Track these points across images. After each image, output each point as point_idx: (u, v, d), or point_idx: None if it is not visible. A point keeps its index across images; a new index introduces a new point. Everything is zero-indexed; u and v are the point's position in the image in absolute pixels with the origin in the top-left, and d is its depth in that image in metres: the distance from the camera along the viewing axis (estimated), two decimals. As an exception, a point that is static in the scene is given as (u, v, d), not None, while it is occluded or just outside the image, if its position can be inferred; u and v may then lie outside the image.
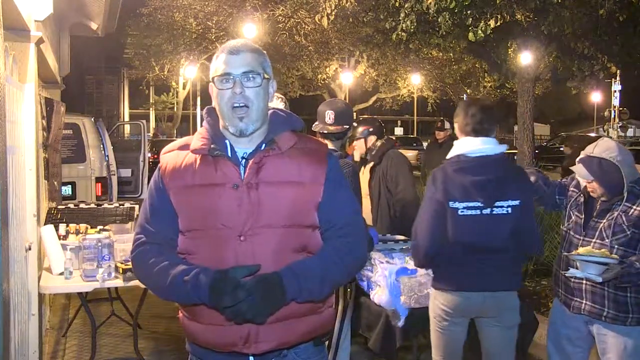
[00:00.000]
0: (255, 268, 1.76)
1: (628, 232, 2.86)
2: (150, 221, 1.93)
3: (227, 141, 1.90)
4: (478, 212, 2.95)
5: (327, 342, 2.02)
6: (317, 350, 1.97)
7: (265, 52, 1.97)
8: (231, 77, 1.85)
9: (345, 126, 3.67)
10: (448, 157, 3.12)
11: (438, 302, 3.08)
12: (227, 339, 1.84)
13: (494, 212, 2.94)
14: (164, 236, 1.91)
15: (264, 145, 1.89)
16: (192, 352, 1.98)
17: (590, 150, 2.96)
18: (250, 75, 1.86)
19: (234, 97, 1.85)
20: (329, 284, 1.87)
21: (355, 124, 4.35)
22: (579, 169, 2.94)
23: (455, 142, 3.12)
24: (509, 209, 2.95)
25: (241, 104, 1.84)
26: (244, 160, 1.88)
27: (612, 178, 2.86)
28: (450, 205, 2.96)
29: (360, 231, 1.99)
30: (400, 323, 3.42)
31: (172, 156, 1.94)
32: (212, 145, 1.88)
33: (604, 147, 2.92)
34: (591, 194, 2.98)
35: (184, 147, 1.94)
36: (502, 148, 3.05)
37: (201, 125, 2.02)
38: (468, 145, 3.04)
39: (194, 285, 1.78)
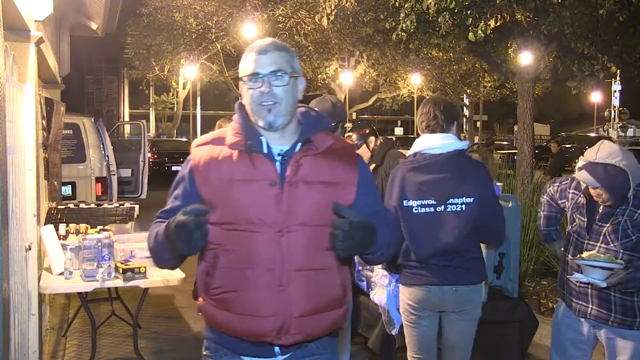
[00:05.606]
0: (205, 210, 1.77)
1: (633, 237, 2.82)
2: (170, 208, 1.99)
3: (262, 137, 1.93)
4: (432, 209, 2.99)
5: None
6: (333, 341, 2.05)
7: (293, 49, 2.01)
8: (259, 76, 1.89)
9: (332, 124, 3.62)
10: (407, 155, 3.16)
11: (404, 297, 3.14)
12: (260, 329, 1.87)
13: (448, 210, 2.98)
14: None
15: (300, 144, 1.94)
16: (214, 339, 1.99)
17: (592, 156, 2.85)
18: (279, 74, 1.89)
19: (262, 96, 1.89)
20: (388, 244, 1.98)
21: (349, 129, 4.26)
22: (583, 176, 2.84)
23: (415, 140, 3.14)
24: (463, 206, 2.98)
25: (269, 102, 1.88)
26: (280, 157, 1.92)
27: (619, 183, 2.78)
28: (404, 204, 3.02)
29: (394, 223, 2.07)
30: (395, 331, 3.43)
31: (206, 149, 1.96)
32: (248, 142, 1.91)
33: (607, 152, 2.82)
34: (596, 199, 2.89)
35: (217, 140, 1.97)
36: (460, 145, 3.04)
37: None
38: (425, 142, 3.06)
39: (156, 241, 1.89)
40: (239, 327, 1.89)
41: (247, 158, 1.90)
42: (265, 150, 1.91)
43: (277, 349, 1.92)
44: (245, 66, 1.93)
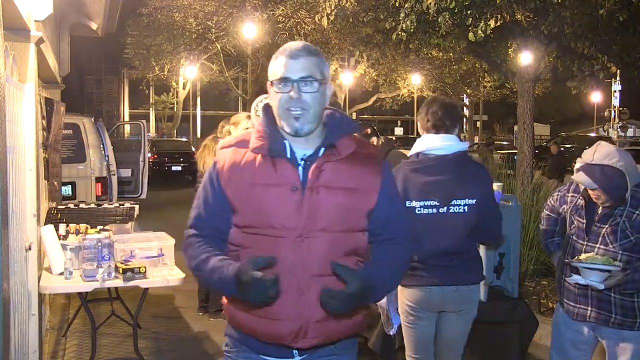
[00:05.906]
0: (273, 259, 1.80)
1: (632, 238, 2.81)
2: (203, 215, 1.99)
3: (285, 141, 1.92)
4: (435, 210, 3.00)
5: None
6: (353, 342, 2.07)
7: (323, 54, 1.98)
8: (289, 81, 1.87)
9: None
10: (409, 155, 3.15)
11: (403, 298, 3.14)
12: (278, 332, 1.89)
13: (450, 211, 3.00)
14: (214, 229, 1.98)
15: (323, 149, 1.92)
16: (235, 338, 2.02)
17: (589, 157, 2.85)
18: (309, 80, 1.87)
19: (290, 102, 1.86)
20: (385, 289, 2.03)
21: None
22: (581, 178, 2.84)
23: (417, 140, 3.14)
24: (465, 207, 2.99)
25: (297, 109, 1.86)
26: (302, 162, 1.91)
27: (617, 184, 2.77)
28: (406, 205, 3.00)
29: (409, 238, 2.07)
30: (393, 331, 3.43)
31: (230, 152, 1.97)
32: (271, 146, 1.90)
33: (604, 153, 2.81)
34: (595, 200, 2.89)
35: (242, 143, 1.97)
36: (462, 146, 3.06)
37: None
38: (428, 143, 3.06)
39: (221, 280, 1.86)
40: (258, 328, 1.92)
41: (269, 162, 1.90)
42: (288, 154, 1.90)
43: (295, 350, 1.94)
44: (275, 69, 1.90)
